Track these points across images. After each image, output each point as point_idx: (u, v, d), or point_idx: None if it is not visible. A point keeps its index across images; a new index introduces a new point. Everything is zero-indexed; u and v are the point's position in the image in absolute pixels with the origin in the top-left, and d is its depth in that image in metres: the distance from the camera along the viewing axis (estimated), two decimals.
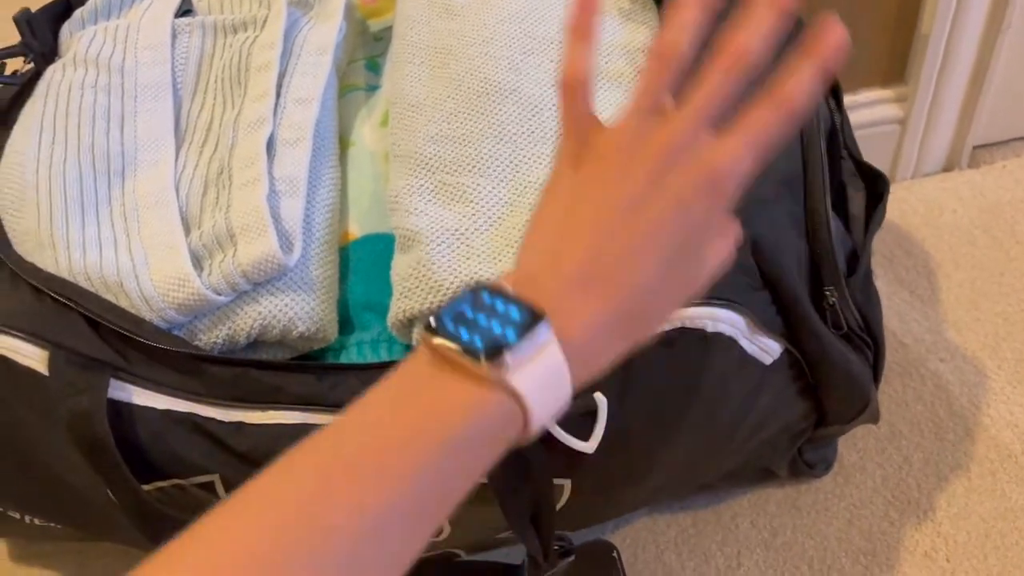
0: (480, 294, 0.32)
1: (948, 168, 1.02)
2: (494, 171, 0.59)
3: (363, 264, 0.63)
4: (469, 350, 0.30)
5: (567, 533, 0.63)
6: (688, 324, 0.53)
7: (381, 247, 0.63)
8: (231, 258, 0.57)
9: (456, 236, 0.56)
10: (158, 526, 0.54)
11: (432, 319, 0.32)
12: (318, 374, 0.55)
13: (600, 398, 0.53)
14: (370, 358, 0.59)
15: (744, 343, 0.57)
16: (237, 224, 0.58)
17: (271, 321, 0.57)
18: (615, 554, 0.64)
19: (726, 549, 0.74)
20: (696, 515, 0.77)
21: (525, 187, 0.58)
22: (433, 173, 0.60)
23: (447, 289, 0.54)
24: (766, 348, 0.58)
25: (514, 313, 0.31)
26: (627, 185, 0.33)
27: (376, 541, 0.27)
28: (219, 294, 0.57)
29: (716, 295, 0.54)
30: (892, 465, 0.78)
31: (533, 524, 0.56)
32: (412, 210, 0.58)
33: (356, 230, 0.65)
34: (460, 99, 0.63)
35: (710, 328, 0.54)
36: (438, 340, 0.32)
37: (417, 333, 0.56)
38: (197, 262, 0.58)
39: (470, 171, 0.59)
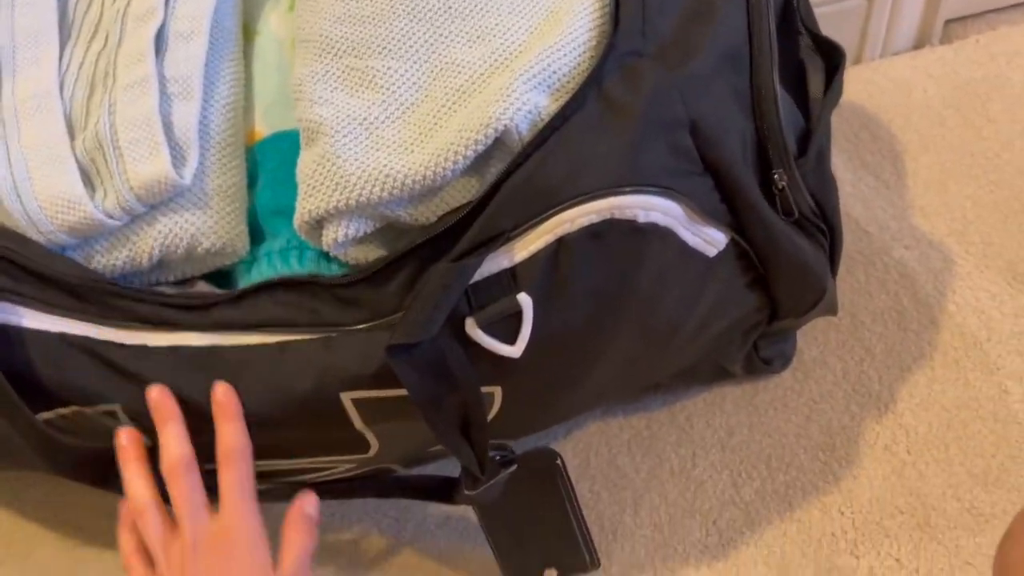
0: None
1: (918, 45, 0.96)
2: (407, 52, 0.53)
3: (270, 165, 0.58)
4: None
5: (508, 442, 0.60)
6: (617, 215, 0.48)
7: (287, 145, 0.57)
8: (121, 178, 0.52)
9: (364, 126, 0.51)
10: (59, 457, 0.50)
11: None
12: (229, 303, 0.51)
13: (524, 299, 0.49)
14: (280, 269, 0.54)
15: (684, 234, 0.52)
16: (124, 136, 0.52)
17: (172, 241, 0.53)
18: (559, 462, 0.61)
19: (681, 450, 0.72)
20: (650, 417, 0.74)
21: (441, 69, 0.53)
22: (340, 57, 0.54)
23: (354, 184, 0.49)
24: (709, 239, 0.54)
25: None
26: None
27: None
28: (113, 218, 0.52)
29: (648, 181, 0.49)
30: (853, 358, 0.75)
31: (464, 436, 0.53)
32: (316, 99, 0.53)
33: (263, 128, 0.59)
34: None
35: (642, 218, 0.49)
36: None
37: (327, 236, 0.51)
38: (87, 179, 0.53)
39: (380, 53, 0.54)
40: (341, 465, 0.58)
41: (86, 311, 0.51)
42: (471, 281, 0.49)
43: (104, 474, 0.52)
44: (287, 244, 0.54)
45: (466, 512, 0.71)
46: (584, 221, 0.48)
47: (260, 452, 0.55)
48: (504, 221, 0.48)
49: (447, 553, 0.70)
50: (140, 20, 0.58)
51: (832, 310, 0.67)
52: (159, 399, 0.49)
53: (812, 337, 0.76)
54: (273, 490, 0.59)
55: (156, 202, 0.52)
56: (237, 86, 0.59)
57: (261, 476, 0.58)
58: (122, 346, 0.51)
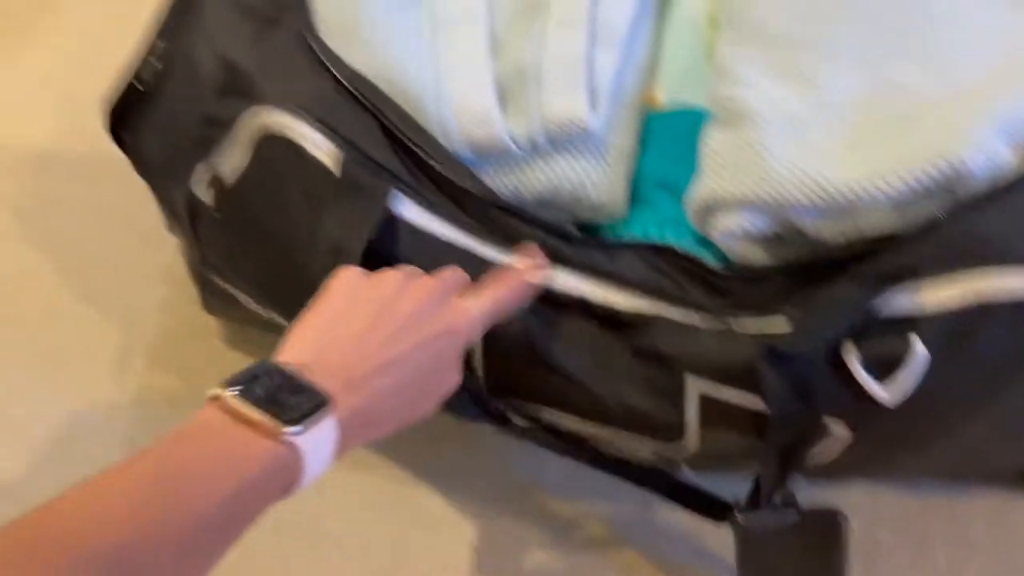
0: (275, 370, 0.40)
1: None
2: (848, 59, 0.51)
3: (664, 136, 0.57)
4: (273, 415, 0.38)
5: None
6: None
7: (690, 123, 0.56)
8: (536, 109, 0.52)
9: (794, 123, 0.49)
10: None
11: (232, 384, 0.39)
12: (604, 249, 0.51)
13: (920, 348, 0.45)
14: (653, 239, 0.53)
15: None
16: (549, 71, 0.53)
17: (563, 183, 0.53)
18: (844, 526, 0.57)
19: (951, 550, 0.67)
20: (926, 503, 0.69)
21: (884, 85, 0.50)
22: (776, 48, 0.53)
23: (776, 180, 0.47)
24: None
25: (309, 396, 0.39)
26: (389, 320, 0.44)
27: (179, 554, 0.34)
28: (516, 144, 0.53)
29: None
30: None
31: (781, 459, 0.50)
32: (744, 82, 0.52)
33: (662, 95, 0.59)
34: None
35: None
36: (242, 404, 0.38)
37: (721, 221, 0.50)
38: (501, 101, 0.54)
39: (819, 52, 0.52)
40: (642, 449, 0.57)
41: (467, 223, 0.52)
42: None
43: None
44: (666, 217, 0.54)
45: (697, 532, 0.69)
46: (1020, 291, 0.44)
47: (575, 407, 0.55)
48: (923, 263, 0.45)
49: (670, 566, 0.68)
50: None
51: None
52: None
53: None
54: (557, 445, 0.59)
55: (560, 140, 0.53)
56: (650, 49, 0.59)
57: (555, 433, 0.58)
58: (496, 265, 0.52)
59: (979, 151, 0.45)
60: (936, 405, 0.48)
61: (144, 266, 0.88)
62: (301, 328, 0.44)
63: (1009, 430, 0.52)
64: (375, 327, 0.43)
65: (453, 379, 0.46)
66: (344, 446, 0.41)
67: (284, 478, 0.38)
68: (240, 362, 0.84)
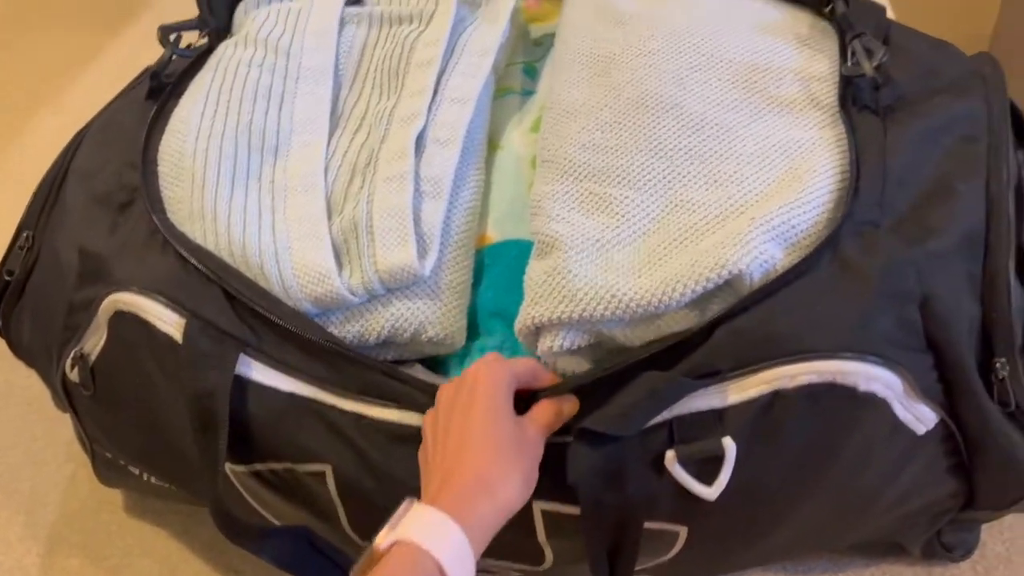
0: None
1: None
2: (645, 185, 0.56)
3: (496, 269, 0.61)
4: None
5: None
6: (839, 380, 0.48)
7: (516, 253, 0.61)
8: (369, 261, 0.57)
9: (596, 246, 0.54)
10: (227, 518, 0.53)
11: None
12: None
13: (729, 443, 0.49)
14: None
15: (897, 408, 0.51)
16: (379, 224, 0.58)
17: (402, 324, 0.57)
18: None
19: None
20: None
21: (676, 205, 0.55)
22: (580, 181, 0.58)
23: (580, 299, 0.51)
24: (920, 416, 0.53)
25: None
26: (457, 416, 0.49)
27: None
28: (354, 295, 0.57)
29: (873, 350, 0.49)
30: None
31: (610, 562, 0.52)
32: (553, 216, 0.56)
33: (494, 234, 0.63)
34: (617, 109, 0.61)
35: (862, 387, 0.49)
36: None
37: (543, 343, 0.54)
38: (338, 256, 0.58)
39: (619, 183, 0.57)
40: (510, 572, 0.59)
41: (315, 372, 0.55)
42: (678, 414, 0.50)
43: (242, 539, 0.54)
44: (501, 344, 0.57)
45: None
46: (804, 379, 0.48)
47: None
48: (721, 361, 0.49)
49: None
50: (404, 122, 0.64)
51: None
52: None
53: (999, 532, 0.72)
54: None
55: (395, 287, 0.57)
56: (478, 192, 0.64)
57: None
58: (342, 411, 0.54)
59: (756, 258, 0.50)
60: (761, 494, 0.51)
61: (49, 446, 0.89)
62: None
63: (843, 509, 0.55)
64: (449, 432, 0.48)
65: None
66: (474, 518, 0.44)
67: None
68: (144, 532, 0.85)
